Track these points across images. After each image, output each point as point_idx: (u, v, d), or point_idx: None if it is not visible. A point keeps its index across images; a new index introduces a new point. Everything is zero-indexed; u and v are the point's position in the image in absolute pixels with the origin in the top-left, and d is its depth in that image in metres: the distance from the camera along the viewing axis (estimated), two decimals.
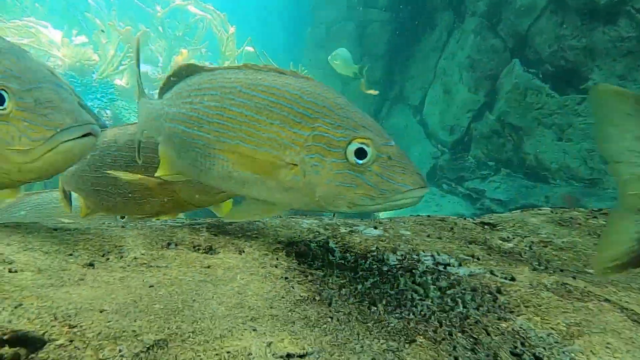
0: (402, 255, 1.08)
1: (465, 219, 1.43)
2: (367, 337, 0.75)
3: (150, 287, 0.81)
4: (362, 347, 0.72)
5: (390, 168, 0.84)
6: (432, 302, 0.87)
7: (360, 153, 0.84)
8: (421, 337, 0.76)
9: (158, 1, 6.97)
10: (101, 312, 0.68)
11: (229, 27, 6.55)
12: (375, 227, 1.26)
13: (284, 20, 11.90)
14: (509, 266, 1.04)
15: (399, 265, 1.03)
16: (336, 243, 1.12)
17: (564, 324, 0.80)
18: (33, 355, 0.57)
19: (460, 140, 6.17)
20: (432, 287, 0.93)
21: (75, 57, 5.71)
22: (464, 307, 0.86)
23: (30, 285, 0.73)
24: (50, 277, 0.78)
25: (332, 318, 0.79)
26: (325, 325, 0.77)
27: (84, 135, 0.89)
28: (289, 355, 0.67)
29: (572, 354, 0.73)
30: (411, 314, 0.83)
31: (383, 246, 1.13)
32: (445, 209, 5.23)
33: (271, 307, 0.80)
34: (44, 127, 0.86)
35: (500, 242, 1.22)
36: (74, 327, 0.63)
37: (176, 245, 1.02)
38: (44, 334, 0.61)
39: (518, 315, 0.83)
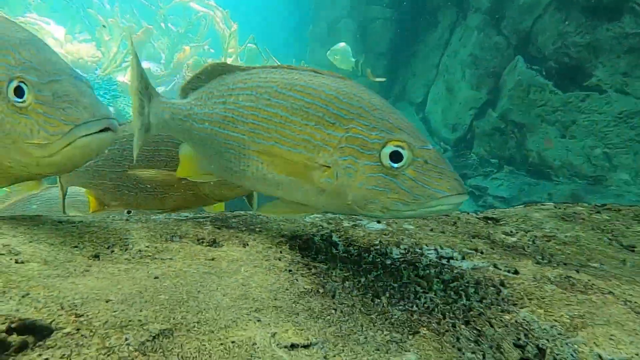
0: (405, 248, 1.09)
1: (468, 213, 1.43)
2: (370, 329, 0.75)
3: (155, 278, 0.81)
4: (365, 338, 0.72)
5: (426, 173, 0.81)
6: (435, 294, 0.87)
7: (395, 156, 0.82)
8: (425, 328, 0.76)
9: None
10: (107, 302, 0.69)
11: (231, 24, 6.54)
12: (379, 221, 1.26)
13: (286, 17, 11.88)
14: (512, 260, 1.04)
15: (402, 259, 1.03)
16: (339, 237, 1.13)
17: (568, 316, 0.80)
18: (41, 342, 0.58)
19: (462, 137, 6.16)
20: (435, 280, 0.94)
21: (78, 54, 5.72)
22: (468, 299, 0.86)
23: (37, 275, 0.74)
24: (56, 268, 0.78)
25: (335, 310, 0.80)
26: (329, 317, 0.77)
27: (102, 130, 0.88)
28: (293, 346, 0.67)
29: (576, 346, 0.74)
30: (414, 306, 0.83)
31: (386, 240, 1.13)
32: None
33: (275, 299, 0.81)
34: (61, 121, 0.85)
35: (504, 236, 1.22)
36: (80, 316, 0.64)
37: (180, 238, 1.02)
38: (51, 322, 0.61)
39: (521, 308, 0.83)
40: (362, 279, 0.92)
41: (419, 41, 7.05)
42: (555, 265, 1.01)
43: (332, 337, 0.71)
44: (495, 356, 0.71)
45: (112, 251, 0.91)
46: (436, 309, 0.82)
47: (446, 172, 0.82)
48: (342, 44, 5.81)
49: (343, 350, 0.68)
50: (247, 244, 1.03)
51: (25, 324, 0.60)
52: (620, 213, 1.37)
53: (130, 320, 0.65)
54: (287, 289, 0.85)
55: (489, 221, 1.35)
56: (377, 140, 0.83)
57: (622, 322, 0.78)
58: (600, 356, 0.72)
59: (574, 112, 4.69)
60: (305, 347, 0.68)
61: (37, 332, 0.59)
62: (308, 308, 0.79)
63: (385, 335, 0.74)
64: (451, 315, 0.80)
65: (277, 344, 0.67)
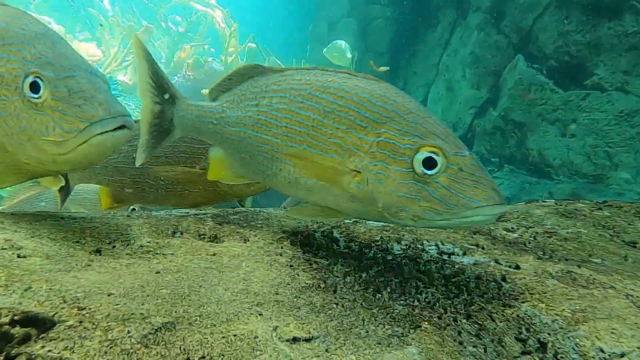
0: (406, 244, 1.09)
1: None
2: (372, 323, 0.75)
3: (156, 273, 0.81)
4: (367, 332, 0.73)
5: (461, 181, 0.78)
6: (436, 289, 0.87)
7: (428, 163, 0.78)
8: (426, 322, 0.77)
9: None
10: (109, 295, 0.69)
11: (231, 23, 6.54)
12: None
13: (286, 17, 11.88)
14: (513, 255, 1.04)
15: (403, 254, 1.03)
16: (340, 233, 1.13)
17: (569, 311, 0.80)
18: (44, 335, 0.58)
19: (463, 137, 6.15)
20: (436, 275, 0.94)
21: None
22: (469, 294, 0.86)
23: (39, 269, 0.74)
24: (58, 263, 0.78)
25: (337, 304, 0.80)
26: (330, 311, 0.77)
27: (117, 128, 0.85)
28: (295, 339, 0.68)
29: (577, 339, 0.74)
30: (416, 301, 0.83)
31: (387, 236, 1.13)
32: None
33: (277, 294, 0.81)
34: (77, 118, 0.83)
35: (505, 232, 1.22)
36: (82, 309, 0.64)
37: (182, 233, 1.02)
38: (53, 315, 0.61)
39: (523, 302, 0.83)
40: (363, 274, 0.92)
41: (419, 40, 7.05)
42: (556, 260, 1.01)
43: (334, 331, 0.71)
44: (496, 350, 0.71)
45: (114, 246, 0.91)
46: (437, 304, 0.82)
47: (483, 180, 0.78)
48: (339, 42, 5.81)
49: (344, 343, 0.68)
50: (248, 240, 1.03)
51: (28, 317, 0.60)
52: (621, 210, 1.37)
53: (132, 314, 0.65)
54: (288, 284, 0.85)
55: None
56: (410, 145, 0.80)
57: (624, 316, 0.78)
58: (601, 349, 0.72)
59: (575, 111, 4.69)
60: (307, 340, 0.68)
61: (39, 324, 0.59)
62: (309, 302, 0.79)
63: (386, 329, 0.74)
64: (452, 310, 0.81)
65: (279, 338, 0.67)
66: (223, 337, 0.65)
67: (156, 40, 6.63)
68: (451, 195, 0.77)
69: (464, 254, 1.05)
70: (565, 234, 1.19)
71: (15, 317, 0.59)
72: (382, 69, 5.70)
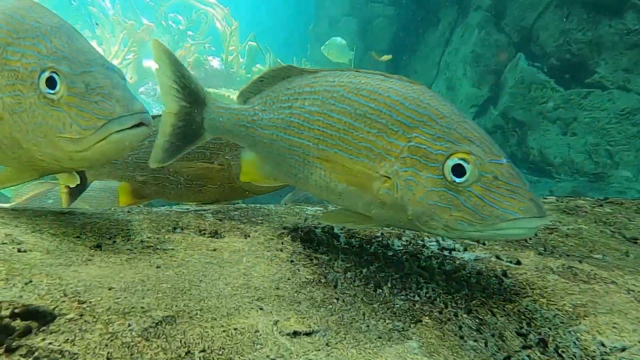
0: (407, 240, 1.09)
1: None
2: (372, 317, 0.75)
3: (157, 268, 0.81)
4: (367, 326, 0.72)
5: (495, 190, 0.73)
6: (437, 285, 0.87)
7: (459, 170, 0.75)
8: (427, 317, 0.76)
9: None
10: (110, 289, 0.69)
11: (232, 22, 6.54)
12: None
13: (287, 15, 11.87)
14: (514, 251, 1.04)
15: (404, 250, 1.03)
16: (341, 229, 1.13)
17: (570, 305, 0.80)
18: (44, 328, 0.58)
19: None
20: (437, 270, 0.94)
21: None
22: (470, 289, 0.86)
23: (39, 264, 0.74)
24: (58, 257, 0.78)
25: (337, 299, 0.80)
26: (331, 306, 0.77)
27: (135, 125, 0.83)
28: (295, 333, 0.68)
29: (578, 334, 0.73)
30: (416, 296, 0.83)
31: (388, 232, 1.13)
32: None
33: (277, 288, 0.81)
34: (94, 115, 0.81)
35: None
36: (83, 302, 0.64)
37: (182, 229, 1.02)
38: (54, 308, 0.61)
39: (524, 297, 0.83)
40: (364, 270, 0.92)
41: (420, 39, 7.04)
42: (557, 256, 1.01)
43: (334, 325, 0.71)
44: (497, 344, 0.71)
45: (114, 241, 0.91)
46: (438, 299, 0.82)
47: (520, 190, 0.73)
48: (337, 38, 5.81)
49: (345, 337, 0.68)
50: (249, 236, 1.03)
51: (29, 310, 0.60)
52: (622, 206, 1.36)
53: (133, 307, 0.65)
54: (289, 279, 0.85)
55: None
56: (441, 151, 0.77)
57: (625, 311, 0.78)
58: (602, 344, 0.72)
59: (576, 109, 4.68)
60: (308, 334, 0.68)
61: (40, 317, 0.59)
62: (310, 297, 0.79)
63: (387, 323, 0.74)
64: (453, 305, 0.80)
65: (280, 332, 0.67)
66: (224, 331, 0.65)
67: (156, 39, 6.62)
68: (484, 206, 0.73)
69: (465, 249, 1.04)
70: (567, 230, 1.19)
71: (16, 310, 0.59)
72: (384, 57, 5.68)
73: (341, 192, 0.88)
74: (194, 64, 6.14)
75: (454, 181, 0.75)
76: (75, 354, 0.54)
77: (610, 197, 1.49)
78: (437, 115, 0.80)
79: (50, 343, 0.55)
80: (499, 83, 5.61)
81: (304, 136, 0.92)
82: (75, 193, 1.59)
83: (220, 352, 0.61)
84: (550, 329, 0.75)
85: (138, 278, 0.75)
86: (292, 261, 0.93)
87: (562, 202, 1.41)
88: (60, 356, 0.54)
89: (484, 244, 0.98)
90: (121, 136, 0.83)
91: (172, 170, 1.44)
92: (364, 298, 0.81)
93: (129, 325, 0.61)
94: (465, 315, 0.77)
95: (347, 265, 0.93)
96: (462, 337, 0.72)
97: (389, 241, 1.08)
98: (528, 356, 0.69)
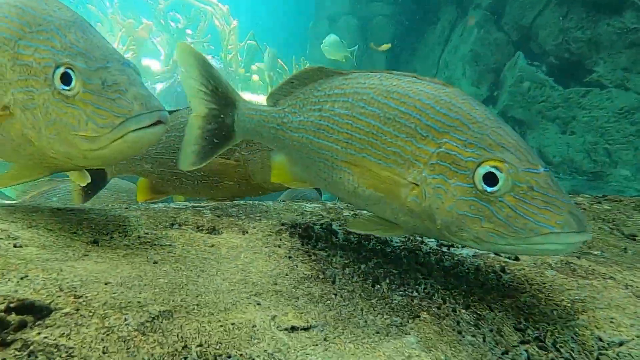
0: (405, 237, 1.08)
1: None
2: (371, 313, 0.75)
3: (154, 263, 0.81)
4: (365, 321, 0.72)
5: (530, 201, 0.68)
6: (435, 281, 0.87)
7: (490, 179, 0.70)
8: (425, 313, 0.76)
9: None
10: (106, 284, 0.69)
11: (231, 20, 6.53)
12: None
13: (287, 14, 11.84)
14: None
15: (403, 247, 1.03)
16: (339, 225, 1.12)
17: (568, 301, 0.80)
18: (40, 322, 0.57)
19: None
20: (435, 267, 0.93)
21: None
22: (468, 285, 0.86)
23: (35, 259, 0.73)
24: (54, 252, 0.78)
25: (335, 295, 0.79)
26: (329, 301, 0.77)
27: (153, 124, 0.80)
28: (293, 328, 0.67)
29: (576, 329, 0.73)
30: (415, 292, 0.83)
31: None
32: None
33: (275, 284, 0.80)
34: (112, 112, 0.78)
35: None
36: (79, 297, 0.63)
37: (180, 225, 1.02)
38: (50, 303, 0.61)
39: (522, 293, 0.83)
40: (362, 266, 0.91)
41: (420, 38, 7.03)
42: None
43: (332, 320, 0.71)
44: (495, 339, 0.71)
45: (111, 237, 0.90)
46: (436, 294, 0.82)
47: (558, 202, 0.67)
48: (332, 36, 5.83)
49: (343, 332, 0.68)
50: (247, 232, 1.03)
51: (25, 304, 0.59)
52: (621, 203, 1.36)
53: (129, 302, 0.65)
54: (286, 275, 0.85)
55: None
56: (472, 158, 0.72)
57: (623, 306, 0.78)
58: (600, 338, 0.72)
59: (575, 108, 4.68)
60: (305, 329, 0.68)
61: (36, 312, 0.59)
62: (308, 293, 0.79)
63: (385, 319, 0.73)
64: (451, 300, 0.80)
65: (277, 327, 0.67)
66: (221, 326, 0.64)
67: (155, 37, 6.61)
68: (517, 218, 0.68)
69: (463, 246, 1.04)
70: None
71: (11, 305, 0.59)
72: (384, 47, 5.66)
73: (368, 198, 0.85)
74: None
75: (485, 190, 0.70)
76: (71, 348, 0.54)
77: (609, 195, 1.49)
78: (469, 120, 0.76)
79: (45, 337, 0.55)
80: (498, 82, 5.61)
81: (332, 139, 0.89)
82: (91, 191, 1.57)
83: (218, 347, 0.60)
84: (548, 324, 0.75)
85: (135, 273, 0.75)
86: (290, 257, 0.92)
87: None
88: (55, 350, 0.53)
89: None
90: (139, 135, 0.80)
91: None
92: (362, 294, 0.81)
93: (126, 319, 0.61)
94: (463, 311, 0.77)
95: (346, 261, 0.93)
96: (460, 332, 0.72)
97: (387, 237, 1.07)
98: (526, 351, 0.69)
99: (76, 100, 0.79)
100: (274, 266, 0.87)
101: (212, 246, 0.93)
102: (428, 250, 1.02)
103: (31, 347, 0.53)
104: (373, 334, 0.69)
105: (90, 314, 0.60)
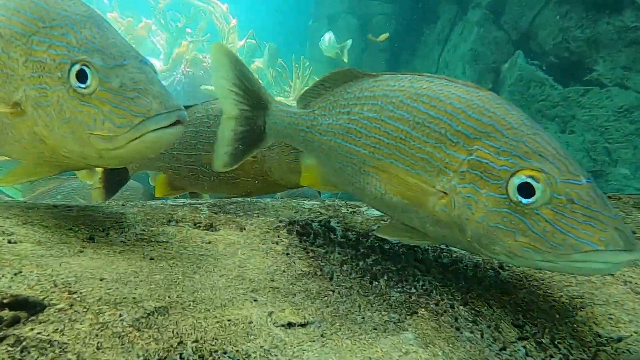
0: None
1: None
2: (368, 309, 0.74)
3: (150, 259, 0.80)
4: (363, 318, 0.72)
5: (570, 215, 0.63)
6: (434, 277, 0.87)
7: (526, 189, 0.65)
8: (423, 309, 0.76)
9: None
10: (101, 280, 0.68)
11: (230, 19, 6.52)
12: None
13: (286, 12, 11.84)
14: None
15: (401, 244, 1.03)
16: (338, 222, 1.12)
17: (567, 297, 0.79)
18: (33, 318, 0.57)
19: None
20: (434, 263, 0.93)
21: None
22: (466, 282, 0.86)
23: (30, 255, 0.73)
24: (50, 249, 0.77)
25: (333, 291, 0.79)
26: (326, 298, 0.77)
27: (172, 124, 0.78)
28: (290, 324, 0.67)
29: (575, 325, 0.73)
30: (413, 289, 0.82)
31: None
32: None
33: (272, 280, 0.80)
34: (130, 112, 0.76)
35: None
36: (73, 293, 0.63)
37: (177, 222, 1.01)
38: (44, 299, 0.61)
39: (520, 289, 0.83)
40: (361, 263, 0.91)
41: (419, 37, 7.02)
42: None
43: (330, 316, 0.71)
44: (493, 335, 0.71)
45: (108, 234, 0.90)
46: (434, 291, 0.82)
47: (602, 217, 0.62)
48: (328, 33, 5.86)
49: (340, 329, 0.68)
50: (245, 229, 1.02)
51: (18, 300, 0.59)
52: (620, 201, 1.36)
53: (124, 298, 0.64)
54: (284, 271, 0.84)
55: None
56: (506, 167, 0.68)
57: (622, 302, 0.77)
58: (598, 335, 0.71)
59: (574, 107, 4.68)
60: (302, 325, 0.67)
61: (29, 308, 0.59)
62: (305, 289, 0.78)
63: (383, 315, 0.73)
64: (449, 297, 0.80)
65: (274, 323, 0.66)
66: (217, 322, 0.64)
67: (155, 36, 6.60)
68: (555, 233, 0.63)
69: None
70: None
71: (5, 301, 0.58)
72: (382, 37, 5.65)
73: (396, 205, 0.82)
74: (191, 61, 6.12)
75: (520, 202, 0.66)
76: (65, 343, 0.54)
77: (609, 193, 1.49)
78: (504, 126, 0.71)
79: (39, 333, 0.54)
80: (497, 81, 5.60)
81: (360, 144, 0.86)
82: (113, 188, 1.54)
83: (213, 343, 0.60)
84: (546, 320, 0.74)
85: (131, 269, 0.74)
86: (287, 254, 0.92)
87: None
88: (49, 346, 0.53)
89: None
90: (158, 135, 0.78)
91: (206, 162, 1.41)
92: (360, 290, 0.80)
93: (120, 315, 0.60)
94: (461, 307, 0.77)
95: (344, 258, 0.93)
96: (458, 329, 0.71)
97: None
98: (524, 347, 0.68)
99: (92, 99, 0.77)
100: (271, 263, 0.87)
101: (209, 243, 0.92)
102: (426, 247, 1.01)
103: (24, 343, 0.52)
104: (370, 330, 0.68)
105: (85, 309, 0.60)
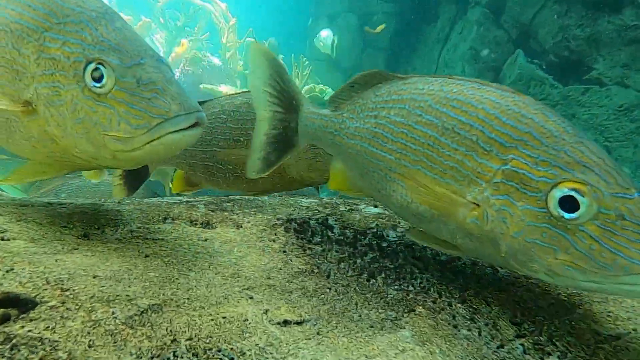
0: (402, 231, 1.07)
1: None
2: (365, 307, 0.74)
3: (145, 257, 0.80)
4: (360, 315, 0.71)
5: (620, 233, 0.58)
6: (431, 275, 0.86)
7: (569, 203, 0.60)
8: (420, 307, 0.75)
9: None
10: (94, 277, 0.67)
11: (230, 17, 6.50)
12: (376, 206, 1.24)
13: (286, 11, 11.83)
14: None
15: (399, 241, 1.02)
16: (335, 220, 1.11)
17: (565, 294, 0.79)
18: (24, 315, 0.56)
19: None
20: (432, 261, 0.92)
21: None
22: (464, 279, 0.85)
23: (23, 252, 0.72)
24: (43, 246, 0.77)
25: (330, 289, 0.78)
26: (323, 296, 0.76)
27: (190, 126, 0.75)
28: (285, 322, 0.66)
29: (573, 322, 0.72)
30: (410, 286, 0.82)
31: (383, 223, 1.12)
32: None
33: (268, 278, 0.79)
34: (147, 113, 0.73)
35: None
36: (66, 290, 0.62)
37: (173, 220, 1.01)
38: (35, 296, 0.60)
39: (519, 287, 0.82)
40: (358, 261, 0.90)
41: (419, 35, 7.01)
42: None
43: (326, 314, 0.70)
44: (491, 333, 0.70)
45: (103, 231, 0.89)
46: (432, 289, 0.81)
47: None
48: (325, 30, 5.86)
49: (336, 327, 0.67)
50: (241, 226, 1.02)
51: (9, 298, 0.58)
52: None
53: (118, 295, 0.64)
54: (280, 269, 0.83)
55: None
56: (545, 178, 0.63)
57: (620, 299, 0.77)
58: (597, 332, 0.70)
59: (574, 106, 4.67)
60: (298, 323, 0.67)
61: (21, 305, 0.58)
62: (302, 287, 0.78)
63: (380, 313, 0.72)
64: (447, 295, 0.79)
65: (270, 320, 0.66)
66: (212, 320, 0.63)
67: (154, 35, 6.59)
68: (602, 251, 0.58)
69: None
70: None
71: None
72: (379, 28, 5.64)
73: (422, 214, 0.78)
74: (191, 60, 6.11)
75: (562, 217, 0.61)
76: (56, 341, 0.53)
77: None
78: (543, 134, 0.66)
79: (29, 330, 0.53)
80: (497, 80, 5.59)
81: (386, 149, 0.83)
82: (133, 184, 1.50)
83: (208, 341, 0.59)
84: (544, 317, 0.74)
85: (125, 267, 0.73)
86: (284, 251, 0.91)
87: None
88: (39, 343, 0.52)
89: None
90: (176, 137, 0.75)
91: (221, 158, 1.39)
92: (357, 288, 0.80)
93: (113, 313, 0.60)
94: (459, 305, 0.76)
95: (341, 255, 0.92)
96: (455, 326, 0.71)
97: (383, 232, 1.06)
98: (522, 345, 0.68)
99: (108, 99, 0.75)
100: (268, 260, 0.86)
101: (206, 240, 0.92)
102: (424, 245, 1.00)
103: (14, 341, 0.52)
104: (367, 328, 0.68)
105: (77, 307, 0.59)
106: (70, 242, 0.81)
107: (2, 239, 0.75)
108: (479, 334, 0.69)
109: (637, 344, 0.69)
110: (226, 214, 1.08)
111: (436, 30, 6.69)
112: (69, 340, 0.53)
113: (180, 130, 0.75)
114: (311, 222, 1.08)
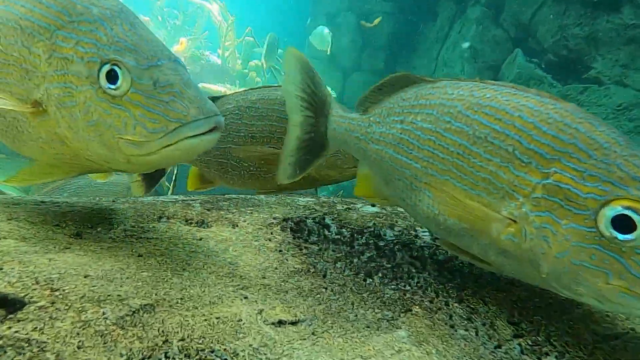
0: (399, 230, 1.06)
1: None
2: (361, 307, 0.73)
3: (139, 256, 0.79)
4: (356, 315, 0.70)
5: None
6: (429, 274, 0.85)
7: (624, 224, 0.55)
8: (417, 306, 0.74)
9: None
10: (86, 277, 0.66)
11: (228, 16, 6.49)
12: (373, 205, 1.23)
13: (285, 10, 11.81)
14: None
15: (396, 241, 1.01)
16: (332, 219, 1.10)
17: None
18: (12, 316, 0.55)
19: None
20: (429, 260, 0.91)
21: None
22: (462, 279, 0.84)
23: (13, 251, 0.71)
24: (34, 245, 0.75)
25: (326, 289, 0.77)
26: (318, 295, 0.75)
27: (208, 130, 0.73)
28: (280, 322, 0.65)
29: (571, 322, 0.72)
30: (407, 286, 0.81)
31: (380, 222, 1.11)
32: None
33: (264, 277, 0.78)
34: (165, 117, 0.71)
35: None
36: (56, 290, 0.61)
37: (168, 219, 1.00)
38: (24, 296, 0.59)
39: (517, 287, 0.81)
40: (355, 260, 0.89)
41: (418, 35, 7.01)
42: None
43: (322, 314, 0.69)
44: (488, 333, 0.69)
45: (96, 230, 0.88)
46: (429, 288, 0.80)
47: None
48: (321, 27, 5.86)
49: (332, 327, 0.66)
50: (237, 225, 1.00)
51: None
52: None
53: (109, 295, 0.63)
54: (276, 268, 0.82)
55: None
56: (594, 195, 0.58)
57: None
58: (595, 332, 0.70)
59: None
60: (293, 323, 0.66)
61: (9, 305, 0.57)
62: (297, 287, 0.77)
63: (376, 313, 0.71)
64: (444, 294, 0.78)
65: (264, 321, 0.65)
66: (205, 320, 0.62)
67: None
68: None
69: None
70: None
71: None
72: (375, 21, 5.62)
73: (451, 228, 0.74)
74: (190, 59, 6.09)
75: (615, 238, 0.55)
76: (44, 342, 0.52)
77: None
78: (590, 145, 0.61)
79: (16, 331, 0.52)
80: (497, 79, 5.58)
81: (413, 157, 0.79)
82: (152, 181, 1.49)
83: (200, 341, 0.58)
84: (542, 317, 0.73)
85: (117, 266, 0.72)
86: (280, 251, 0.90)
87: None
88: (26, 345, 0.51)
89: None
90: (194, 142, 0.72)
91: (236, 156, 1.36)
92: (353, 288, 0.79)
93: (104, 313, 0.58)
94: (456, 305, 0.75)
95: (338, 255, 0.91)
96: (452, 326, 0.70)
97: (381, 231, 1.05)
98: (519, 345, 0.67)
99: (123, 101, 0.72)
100: (263, 260, 0.85)
101: (200, 239, 0.91)
102: (422, 244, 0.99)
103: (0, 342, 0.50)
104: (363, 328, 0.67)
105: (67, 307, 0.58)
106: (62, 241, 0.79)
107: None
108: (476, 334, 0.68)
109: (635, 344, 0.68)
110: (222, 212, 1.07)
111: (435, 29, 6.68)
112: (58, 341, 0.52)
113: (199, 135, 0.72)
114: (308, 221, 1.07)
